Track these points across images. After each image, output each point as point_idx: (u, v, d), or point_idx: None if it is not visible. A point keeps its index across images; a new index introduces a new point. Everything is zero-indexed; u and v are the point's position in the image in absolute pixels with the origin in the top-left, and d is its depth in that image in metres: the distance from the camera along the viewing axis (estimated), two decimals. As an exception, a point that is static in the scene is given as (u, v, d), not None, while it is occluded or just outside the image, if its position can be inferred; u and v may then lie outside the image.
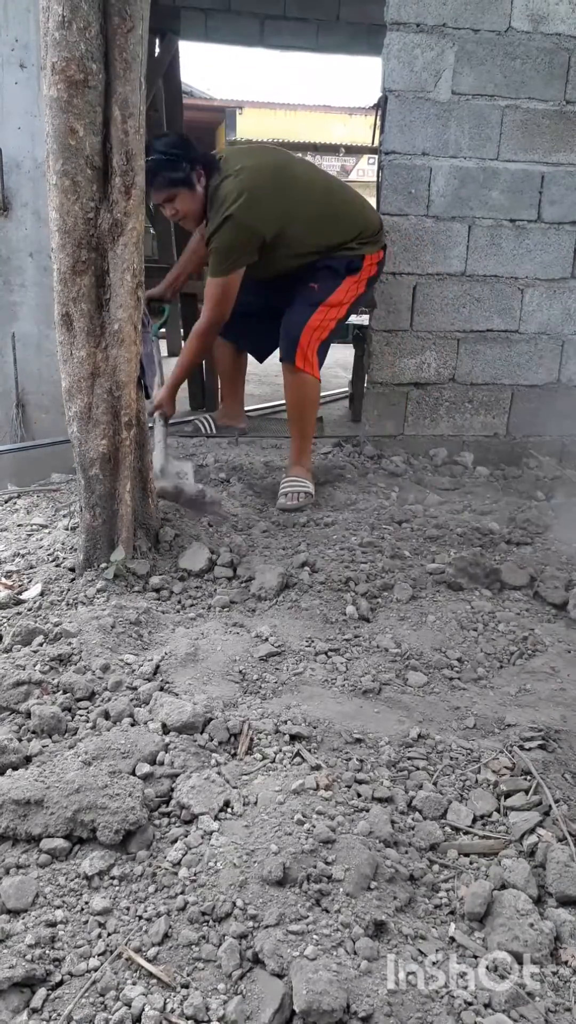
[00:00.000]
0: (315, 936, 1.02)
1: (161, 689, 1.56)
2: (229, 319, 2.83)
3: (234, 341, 3.21)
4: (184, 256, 3.19)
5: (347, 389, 4.56)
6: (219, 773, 1.32)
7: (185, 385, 4.96)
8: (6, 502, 2.74)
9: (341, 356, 4.98)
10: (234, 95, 17.01)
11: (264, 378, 5.79)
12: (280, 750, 1.40)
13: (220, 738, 1.42)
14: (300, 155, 3.00)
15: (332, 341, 2.88)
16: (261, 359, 3.30)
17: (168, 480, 2.52)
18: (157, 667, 1.65)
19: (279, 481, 2.79)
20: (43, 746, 1.40)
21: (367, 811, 1.25)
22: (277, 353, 2.86)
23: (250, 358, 3.36)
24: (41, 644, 1.72)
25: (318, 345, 2.74)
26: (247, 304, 2.86)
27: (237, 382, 3.39)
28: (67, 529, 2.31)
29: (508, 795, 1.33)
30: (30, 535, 2.38)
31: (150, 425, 2.39)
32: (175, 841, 1.19)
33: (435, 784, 1.35)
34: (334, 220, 2.72)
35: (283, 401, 4.51)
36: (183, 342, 5.32)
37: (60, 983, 1.00)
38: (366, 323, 3.42)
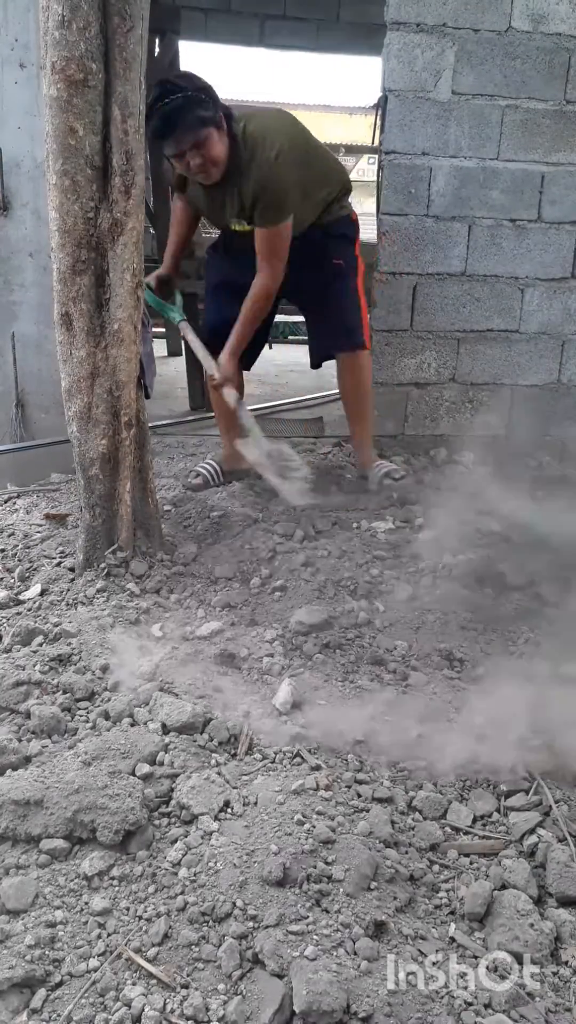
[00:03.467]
0: (315, 936, 1.02)
1: (161, 689, 1.56)
2: (221, 336, 2.58)
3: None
4: (174, 228, 2.80)
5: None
6: (219, 773, 1.32)
7: (184, 384, 4.97)
8: (6, 502, 2.74)
9: (341, 356, 4.96)
10: (234, 95, 16.97)
11: (264, 378, 5.79)
12: (280, 750, 1.40)
13: (220, 738, 1.42)
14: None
15: None
16: (249, 366, 2.92)
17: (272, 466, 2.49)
18: (157, 667, 1.65)
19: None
20: (43, 746, 1.40)
21: (367, 811, 1.25)
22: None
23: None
24: (41, 644, 1.71)
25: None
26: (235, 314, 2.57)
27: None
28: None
29: (508, 795, 1.33)
30: (28, 535, 2.38)
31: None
32: (175, 841, 1.19)
33: (435, 784, 1.35)
34: (328, 175, 2.58)
35: (282, 401, 4.51)
36: (183, 343, 5.34)
37: (60, 983, 1.00)
38: (366, 323, 3.41)
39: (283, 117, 2.50)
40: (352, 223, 2.67)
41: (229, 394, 2.56)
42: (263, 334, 2.81)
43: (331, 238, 2.60)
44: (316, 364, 2.90)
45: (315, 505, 2.46)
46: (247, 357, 2.84)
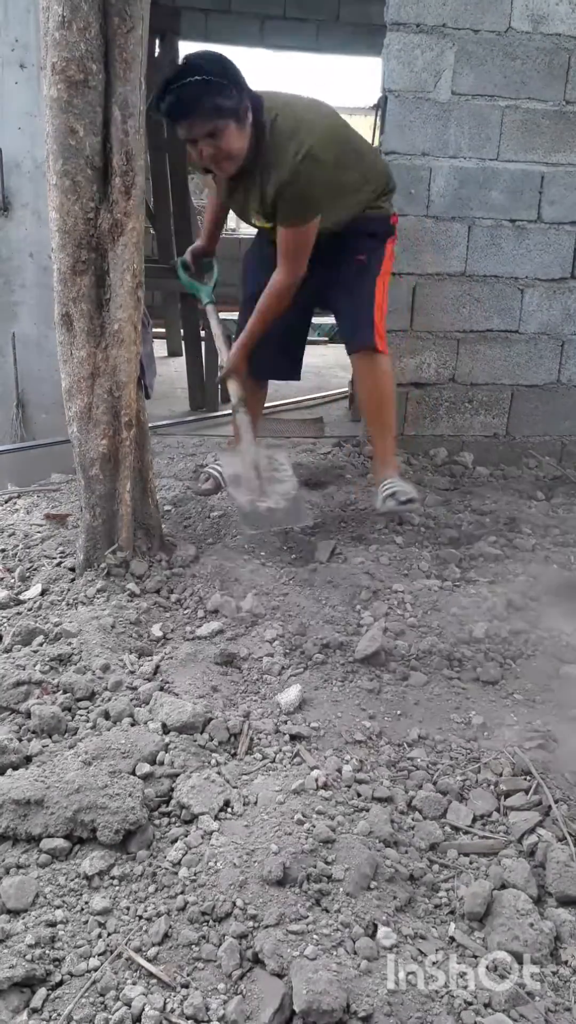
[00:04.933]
0: (315, 936, 1.02)
1: (161, 689, 1.56)
2: (262, 355, 2.47)
3: (265, 376, 2.73)
4: (210, 203, 2.69)
5: (347, 389, 4.56)
6: (219, 773, 1.32)
7: (184, 384, 4.97)
8: (6, 502, 2.74)
9: (341, 356, 4.97)
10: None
11: (264, 378, 5.79)
12: (280, 750, 1.40)
13: (220, 738, 1.42)
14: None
15: None
16: (296, 375, 2.81)
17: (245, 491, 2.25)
18: (157, 667, 1.65)
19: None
20: (43, 746, 1.40)
21: (367, 811, 1.25)
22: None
23: None
24: (41, 644, 1.72)
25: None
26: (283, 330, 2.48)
27: (258, 423, 2.84)
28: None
29: (508, 795, 1.33)
30: (28, 535, 2.39)
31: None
32: (175, 841, 1.19)
33: (435, 784, 1.35)
34: (367, 174, 2.38)
35: (282, 401, 4.51)
36: (183, 343, 5.34)
37: (60, 983, 1.00)
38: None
39: (318, 109, 2.29)
40: (385, 221, 2.49)
41: (232, 389, 2.45)
42: (300, 341, 2.71)
43: (359, 236, 2.43)
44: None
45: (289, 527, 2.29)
46: (286, 367, 2.72)
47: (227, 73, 2.07)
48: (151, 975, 1.01)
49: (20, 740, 1.41)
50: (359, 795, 1.29)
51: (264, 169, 2.19)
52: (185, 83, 2.01)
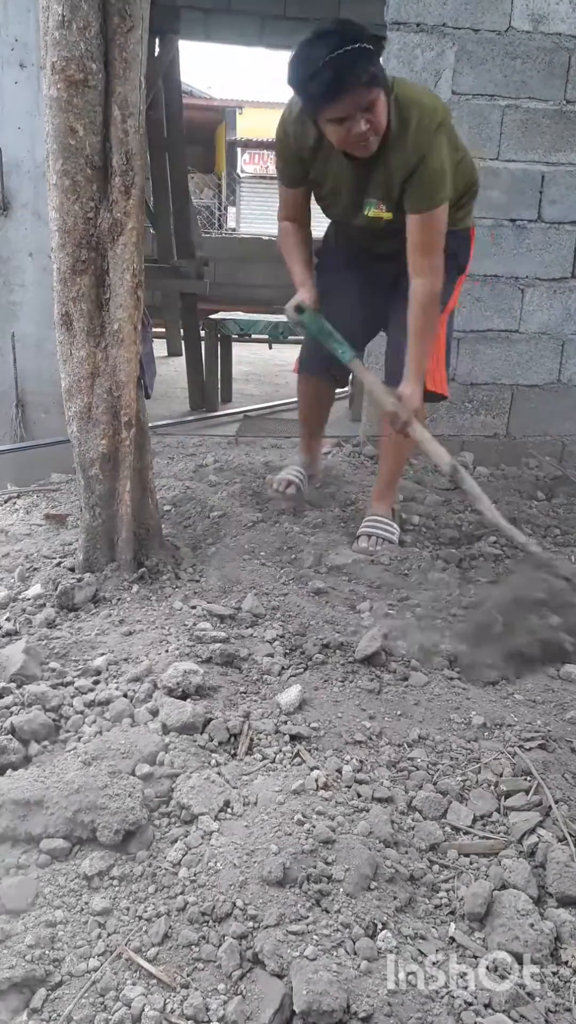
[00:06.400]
0: (315, 936, 1.02)
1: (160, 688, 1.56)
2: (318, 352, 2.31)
3: (323, 374, 2.52)
4: (302, 249, 2.32)
5: (347, 389, 4.56)
6: (219, 773, 1.32)
7: (184, 384, 4.97)
8: (6, 502, 2.74)
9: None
10: (234, 95, 16.98)
11: (264, 378, 5.80)
12: (280, 750, 1.40)
13: (220, 738, 1.42)
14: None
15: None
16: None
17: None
18: (157, 666, 1.65)
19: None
20: (43, 746, 1.40)
21: (367, 811, 1.25)
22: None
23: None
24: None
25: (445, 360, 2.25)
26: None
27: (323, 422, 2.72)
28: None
29: (508, 795, 1.33)
30: (28, 535, 2.38)
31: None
32: (175, 841, 1.19)
33: (435, 784, 1.35)
34: (462, 167, 2.13)
35: (282, 401, 4.52)
36: (183, 343, 5.34)
37: (60, 983, 1.00)
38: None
39: (427, 88, 2.14)
40: (466, 241, 2.23)
41: (421, 432, 2.17)
42: (377, 325, 2.44)
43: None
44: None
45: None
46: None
47: (372, 37, 1.85)
48: (151, 975, 1.00)
49: (20, 740, 1.41)
50: (359, 795, 1.29)
51: (389, 147, 1.96)
52: (342, 52, 1.77)
